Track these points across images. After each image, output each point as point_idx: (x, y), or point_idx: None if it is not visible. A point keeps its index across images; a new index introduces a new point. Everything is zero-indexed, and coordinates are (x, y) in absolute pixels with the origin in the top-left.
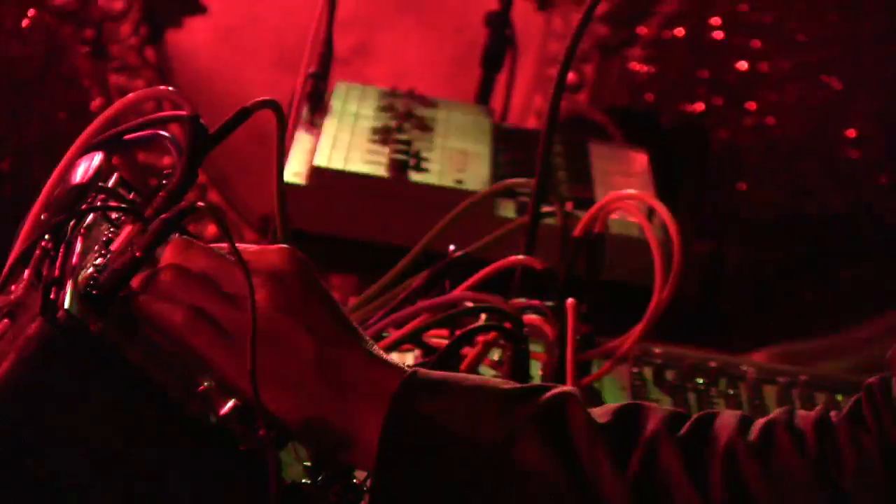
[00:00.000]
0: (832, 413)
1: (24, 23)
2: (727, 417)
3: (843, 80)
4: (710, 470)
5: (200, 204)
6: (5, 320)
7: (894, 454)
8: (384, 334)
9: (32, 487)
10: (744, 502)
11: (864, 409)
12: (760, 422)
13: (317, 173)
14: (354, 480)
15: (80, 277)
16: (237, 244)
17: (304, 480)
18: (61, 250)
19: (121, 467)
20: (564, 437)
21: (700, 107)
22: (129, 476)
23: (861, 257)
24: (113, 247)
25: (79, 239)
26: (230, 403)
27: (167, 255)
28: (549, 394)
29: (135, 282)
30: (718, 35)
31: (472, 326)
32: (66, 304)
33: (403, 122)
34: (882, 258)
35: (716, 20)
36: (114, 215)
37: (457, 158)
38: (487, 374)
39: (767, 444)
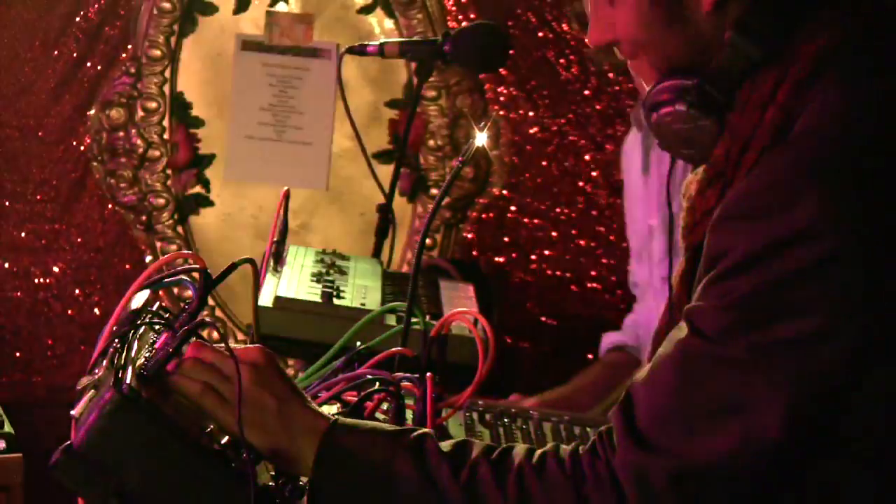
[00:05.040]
0: (581, 448)
1: (106, 212)
2: (520, 448)
3: (587, 240)
4: (508, 481)
5: (208, 319)
6: (92, 391)
7: (615, 473)
8: (319, 395)
9: (112, 495)
10: (527, 500)
11: (597, 447)
12: (539, 451)
13: (279, 300)
14: (301, 483)
15: (136, 364)
16: (231, 345)
17: (270, 483)
18: (125, 348)
19: (161, 478)
20: (423, 459)
21: (503, 259)
22: (165, 482)
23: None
24: (156, 346)
25: (136, 341)
26: (226, 439)
27: (189, 351)
28: (415, 433)
29: (170, 367)
30: (512, 215)
31: (371, 390)
32: (129, 381)
33: (330, 269)
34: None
35: (513, 208)
36: (157, 327)
37: (361, 290)
38: (380, 419)
39: (542, 466)
